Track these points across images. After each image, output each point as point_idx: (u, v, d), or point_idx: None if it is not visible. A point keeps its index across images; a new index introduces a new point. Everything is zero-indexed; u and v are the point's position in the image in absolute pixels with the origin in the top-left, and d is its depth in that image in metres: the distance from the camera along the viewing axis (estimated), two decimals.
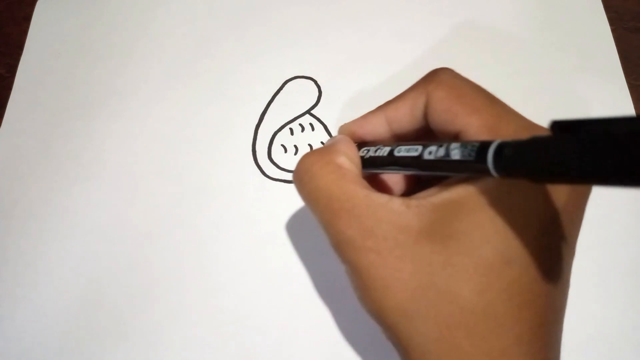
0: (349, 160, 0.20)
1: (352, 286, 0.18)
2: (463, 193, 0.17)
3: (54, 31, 0.37)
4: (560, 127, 0.13)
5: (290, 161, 0.32)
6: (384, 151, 0.19)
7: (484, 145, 0.15)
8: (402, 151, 0.18)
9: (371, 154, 0.20)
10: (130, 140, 0.33)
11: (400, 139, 0.21)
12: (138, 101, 0.34)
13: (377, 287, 0.17)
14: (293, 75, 0.34)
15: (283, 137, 0.32)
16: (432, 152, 0.17)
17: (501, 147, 0.14)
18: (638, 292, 0.28)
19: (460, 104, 0.18)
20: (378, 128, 0.21)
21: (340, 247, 0.18)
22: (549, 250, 0.17)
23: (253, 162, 0.32)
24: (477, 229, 0.16)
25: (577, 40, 0.34)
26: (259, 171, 0.32)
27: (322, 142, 0.32)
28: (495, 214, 0.16)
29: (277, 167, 0.32)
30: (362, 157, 0.21)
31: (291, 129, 0.33)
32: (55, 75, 0.36)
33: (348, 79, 0.33)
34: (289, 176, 0.31)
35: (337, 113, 0.33)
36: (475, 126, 0.18)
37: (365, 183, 0.19)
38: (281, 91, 0.34)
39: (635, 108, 0.32)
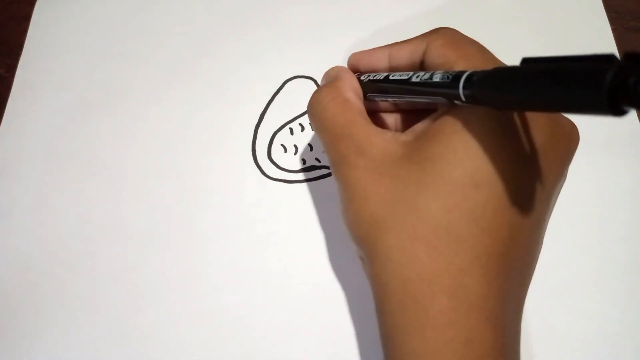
0: (355, 94, 0.22)
1: (340, 201, 0.21)
2: (441, 121, 0.18)
3: (53, 31, 0.37)
4: (528, 62, 0.14)
5: (290, 161, 0.32)
6: (381, 76, 0.22)
7: (460, 73, 0.17)
8: (396, 75, 0.21)
9: (370, 77, 0.23)
10: (130, 140, 0.33)
11: None
12: (138, 101, 0.34)
13: (358, 198, 0.19)
14: (293, 75, 0.34)
15: (283, 136, 0.32)
16: (419, 76, 0.19)
17: (470, 76, 0.16)
18: (638, 292, 0.28)
19: (454, 50, 0.20)
20: (380, 61, 0.23)
21: (337, 164, 0.20)
22: (520, 185, 0.18)
23: (253, 162, 0.32)
24: (451, 152, 0.18)
25: (577, 40, 0.34)
26: (258, 171, 0.32)
27: None
28: (468, 139, 0.17)
29: (277, 167, 0.32)
30: (362, 80, 0.23)
31: (291, 129, 0.32)
32: (54, 75, 0.36)
33: None
34: (289, 176, 0.31)
35: None
36: (461, 67, 0.19)
37: (367, 117, 0.21)
38: (281, 91, 0.34)
39: None
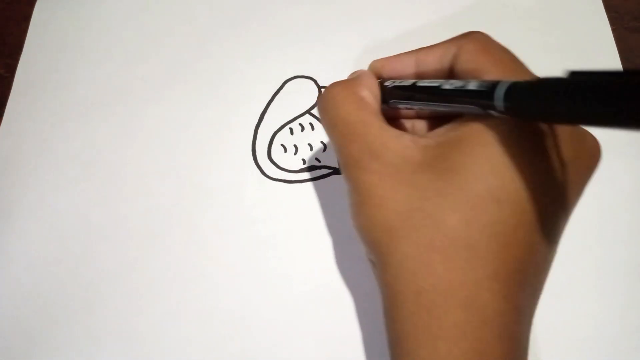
0: (371, 94, 0.21)
1: (350, 203, 0.20)
2: (467, 130, 0.18)
3: (53, 31, 0.37)
4: (575, 74, 0.14)
5: (290, 161, 0.32)
6: (408, 82, 0.21)
7: (498, 83, 0.16)
8: (425, 82, 0.20)
9: (396, 84, 0.22)
10: (130, 140, 0.33)
11: None
12: (138, 101, 0.34)
13: (372, 203, 0.18)
14: (293, 75, 0.34)
15: (283, 136, 0.32)
16: (452, 84, 0.18)
17: (513, 86, 0.16)
18: (638, 292, 0.28)
19: (485, 56, 0.19)
20: (406, 68, 0.22)
21: (348, 166, 0.19)
22: (542, 203, 0.17)
23: (253, 162, 0.32)
24: (474, 164, 0.17)
25: (577, 40, 0.34)
26: (258, 171, 0.32)
27: (322, 142, 0.32)
28: (494, 153, 0.17)
29: (277, 167, 0.32)
30: (386, 86, 0.22)
31: (291, 129, 0.32)
32: (55, 75, 0.36)
33: None
34: (289, 176, 0.31)
35: None
36: (494, 75, 0.18)
37: (381, 117, 0.20)
38: (281, 91, 0.34)
39: None
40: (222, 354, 0.28)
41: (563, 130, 0.18)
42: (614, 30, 0.34)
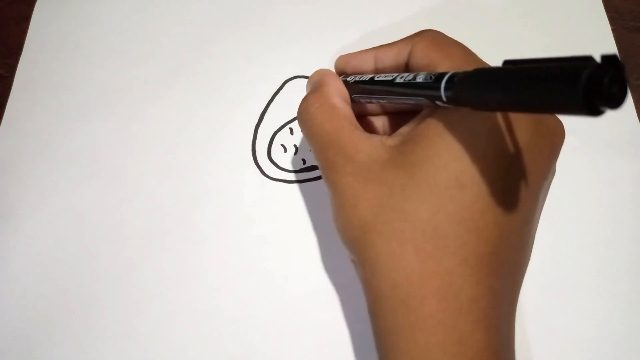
0: (342, 99, 0.22)
1: (331, 206, 0.21)
2: (425, 125, 0.19)
3: (53, 31, 0.37)
4: (509, 63, 0.14)
5: (290, 161, 0.32)
6: (367, 77, 0.22)
7: (442, 74, 0.17)
8: (381, 77, 0.21)
9: (356, 79, 0.23)
10: (130, 140, 0.33)
11: None
12: (137, 101, 0.34)
13: (348, 204, 0.19)
14: (293, 75, 0.34)
15: (283, 136, 0.32)
16: (403, 77, 0.20)
17: (452, 77, 0.17)
18: (638, 292, 0.28)
19: (436, 51, 0.20)
20: (366, 64, 0.24)
21: (327, 171, 0.21)
22: (505, 183, 0.18)
23: (253, 162, 0.32)
24: (435, 155, 0.18)
25: (577, 40, 0.34)
26: (258, 171, 0.32)
27: None
28: (451, 141, 0.18)
29: (277, 166, 0.32)
30: (348, 82, 0.23)
31: (291, 129, 0.32)
32: (54, 75, 0.36)
33: None
34: (289, 176, 0.31)
35: None
36: (444, 69, 0.19)
37: (354, 121, 0.22)
38: (281, 91, 0.34)
39: (636, 108, 0.32)
40: (222, 354, 0.28)
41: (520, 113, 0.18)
42: (614, 30, 0.34)
